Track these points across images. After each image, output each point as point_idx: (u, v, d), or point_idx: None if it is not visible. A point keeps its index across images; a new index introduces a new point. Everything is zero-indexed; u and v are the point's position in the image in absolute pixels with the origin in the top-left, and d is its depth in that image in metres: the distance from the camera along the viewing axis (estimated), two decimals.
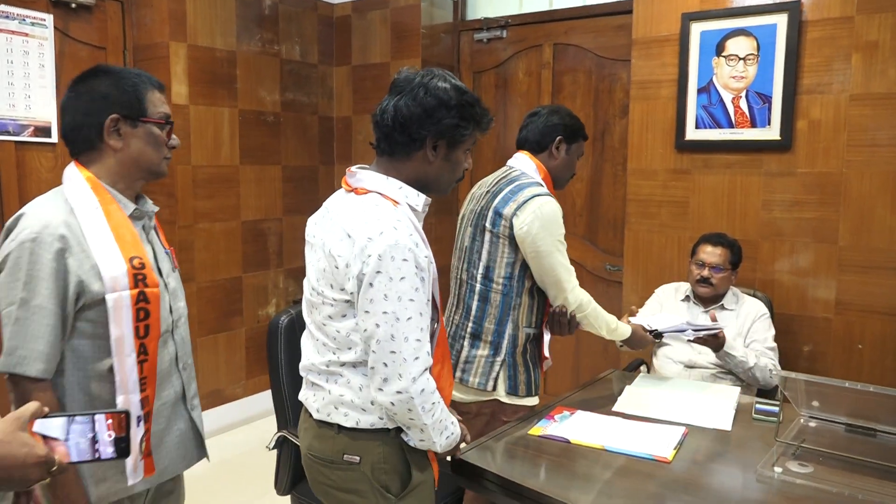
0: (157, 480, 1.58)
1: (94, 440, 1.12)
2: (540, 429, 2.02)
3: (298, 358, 1.75)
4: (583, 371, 3.97)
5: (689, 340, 2.61)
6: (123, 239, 1.47)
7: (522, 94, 4.10)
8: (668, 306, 2.91)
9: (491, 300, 2.23)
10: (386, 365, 1.50)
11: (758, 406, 2.18)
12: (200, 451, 1.72)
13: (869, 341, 2.99)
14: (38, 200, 1.51)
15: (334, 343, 1.60)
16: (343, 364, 1.60)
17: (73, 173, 1.52)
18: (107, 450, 1.12)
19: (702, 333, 2.51)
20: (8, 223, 1.47)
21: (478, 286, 2.26)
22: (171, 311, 1.61)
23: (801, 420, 2.03)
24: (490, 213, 2.23)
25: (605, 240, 3.90)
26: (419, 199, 1.62)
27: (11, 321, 1.40)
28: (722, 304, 2.81)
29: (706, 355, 2.66)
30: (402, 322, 1.49)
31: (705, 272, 2.77)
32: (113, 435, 1.13)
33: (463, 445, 1.83)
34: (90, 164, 1.54)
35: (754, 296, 2.92)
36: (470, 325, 2.27)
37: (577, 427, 2.03)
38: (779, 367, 2.62)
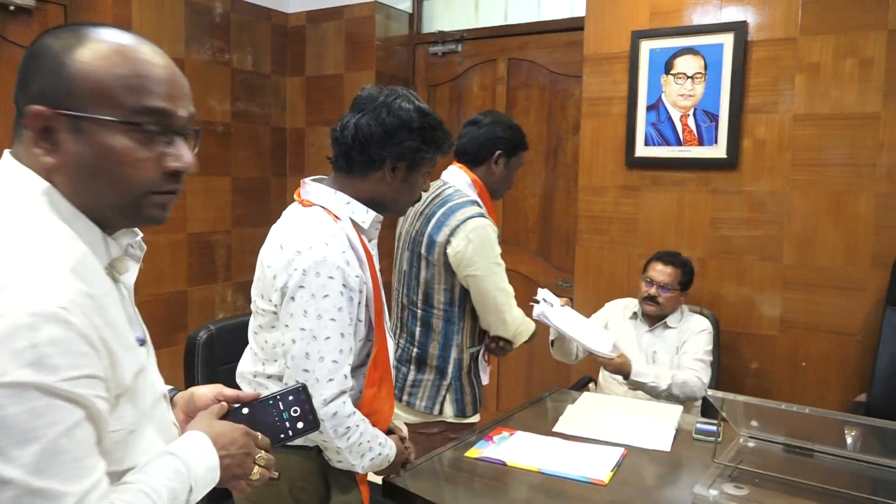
0: None
1: (281, 419, 1.16)
2: (477, 451, 1.98)
3: (217, 375, 1.69)
4: (534, 386, 3.96)
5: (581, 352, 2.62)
6: None
7: (477, 108, 4.08)
8: (615, 324, 2.90)
9: (433, 326, 2.23)
10: (296, 379, 1.48)
11: (698, 426, 2.16)
12: None
13: (813, 359, 3.01)
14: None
15: (262, 353, 1.59)
16: (269, 376, 1.59)
17: None
18: (297, 425, 1.16)
19: (591, 352, 2.53)
20: None
21: (419, 312, 2.25)
22: None
23: (741, 440, 2.02)
24: (425, 240, 2.21)
25: (557, 256, 3.90)
26: (368, 216, 1.59)
27: None
28: (665, 322, 2.81)
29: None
30: (320, 341, 1.46)
31: (652, 290, 2.77)
32: (298, 410, 1.16)
33: (409, 465, 1.81)
34: None
35: (700, 313, 2.92)
36: (415, 350, 2.26)
37: (515, 449, 2.00)
38: (704, 379, 2.60)
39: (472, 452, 1.97)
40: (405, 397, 2.26)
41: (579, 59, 3.52)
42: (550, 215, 3.90)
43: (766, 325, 3.10)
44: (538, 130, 3.90)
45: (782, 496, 1.73)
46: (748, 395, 1.94)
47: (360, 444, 1.54)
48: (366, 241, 1.59)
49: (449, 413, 2.25)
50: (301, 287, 1.45)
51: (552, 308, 2.50)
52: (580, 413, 2.30)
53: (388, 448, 1.64)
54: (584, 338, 2.51)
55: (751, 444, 2.00)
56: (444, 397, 2.24)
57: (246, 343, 1.71)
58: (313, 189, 1.59)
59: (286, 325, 1.49)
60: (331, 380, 1.47)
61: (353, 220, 1.56)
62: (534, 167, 3.93)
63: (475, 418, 2.32)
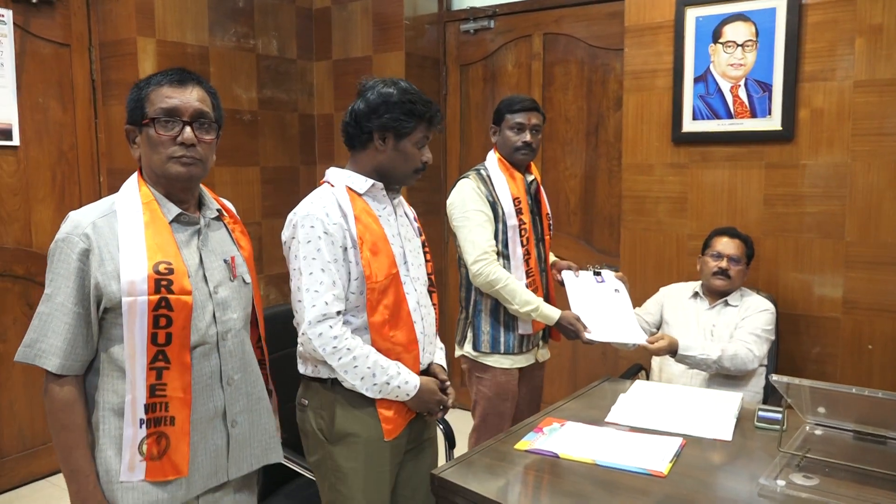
0: (185, 496, 1.55)
1: None
2: (527, 443, 1.91)
3: None
4: (580, 377, 3.84)
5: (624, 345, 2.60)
6: (154, 243, 1.48)
7: (512, 86, 3.96)
8: (673, 307, 2.80)
9: (461, 271, 2.62)
10: (297, 312, 1.82)
11: (760, 413, 2.06)
12: (233, 469, 1.64)
13: (879, 342, 2.85)
14: (90, 204, 1.56)
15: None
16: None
17: (130, 179, 1.56)
18: None
19: (611, 344, 2.60)
20: None
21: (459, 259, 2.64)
22: (215, 322, 1.56)
23: (807, 427, 1.93)
24: None
25: (600, 239, 3.76)
26: (366, 184, 1.87)
27: (37, 315, 1.48)
28: (726, 300, 2.71)
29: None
30: (304, 276, 1.77)
31: (723, 263, 2.69)
32: None
33: (450, 404, 1.97)
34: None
35: (759, 294, 2.79)
36: (460, 292, 2.66)
37: (567, 440, 1.91)
38: (756, 352, 2.52)
39: (522, 444, 1.90)
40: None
41: (620, 30, 3.37)
42: (592, 196, 3.77)
43: (828, 306, 2.94)
44: (577, 108, 3.76)
45: (855, 486, 1.65)
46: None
47: (355, 366, 1.77)
48: (370, 202, 1.87)
49: (469, 348, 2.58)
50: (293, 238, 1.81)
51: (585, 282, 2.64)
52: (634, 402, 2.21)
53: (400, 380, 1.82)
54: (600, 327, 2.52)
55: (818, 431, 1.92)
56: (467, 333, 2.59)
57: (276, 333, 1.96)
58: (329, 172, 1.92)
59: (290, 270, 1.83)
60: (314, 305, 1.76)
61: (349, 188, 1.85)
62: (574, 147, 3.79)
63: (495, 361, 2.54)
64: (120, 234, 1.47)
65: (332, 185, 1.86)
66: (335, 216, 1.79)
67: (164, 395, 1.47)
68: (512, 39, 3.94)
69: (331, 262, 1.77)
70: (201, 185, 1.61)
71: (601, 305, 2.59)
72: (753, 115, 3.01)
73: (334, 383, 1.83)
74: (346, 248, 1.80)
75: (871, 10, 2.76)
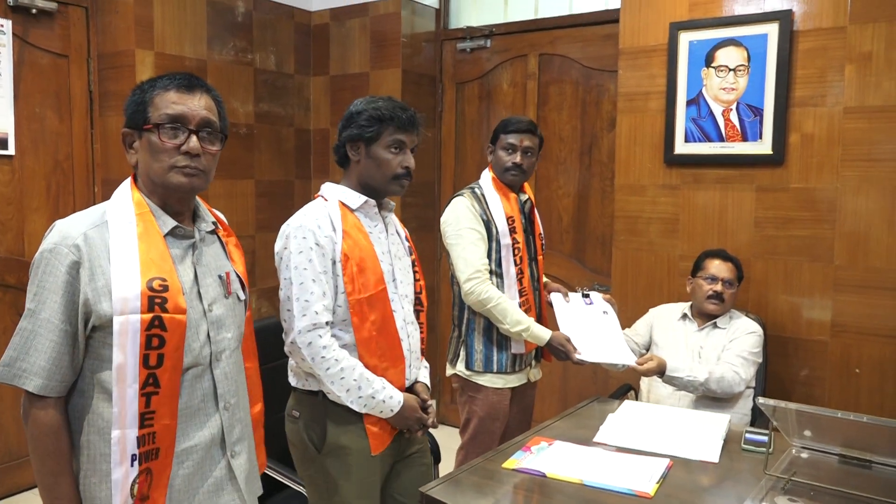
0: None
1: None
2: (515, 461, 1.91)
3: None
4: (570, 396, 3.84)
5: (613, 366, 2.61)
6: (148, 257, 1.36)
7: (507, 105, 3.98)
8: (662, 328, 2.81)
9: (454, 289, 2.63)
10: (285, 321, 1.85)
11: (748, 436, 2.08)
12: None
13: (867, 365, 2.86)
14: (77, 212, 1.44)
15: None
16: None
17: (123, 186, 1.46)
18: None
19: (600, 365, 2.62)
20: None
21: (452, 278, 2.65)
22: (209, 342, 1.45)
23: (793, 451, 1.94)
24: None
25: (593, 258, 3.77)
26: (358, 200, 1.92)
27: (18, 331, 1.36)
28: (715, 323, 2.72)
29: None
30: (295, 286, 1.81)
31: (718, 287, 2.69)
32: None
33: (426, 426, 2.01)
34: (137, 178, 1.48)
35: (747, 316, 2.79)
36: (453, 310, 2.68)
37: (555, 459, 1.92)
38: (742, 374, 2.53)
39: (510, 463, 1.90)
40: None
41: (614, 52, 3.41)
42: (585, 216, 3.79)
43: (817, 329, 2.95)
44: (571, 128, 3.78)
45: None
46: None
47: (342, 377, 1.81)
48: (362, 218, 1.92)
49: (461, 367, 2.58)
50: (285, 248, 1.85)
51: (574, 304, 2.66)
52: (622, 422, 2.21)
53: (385, 395, 1.85)
54: (590, 348, 2.53)
55: (804, 454, 1.92)
56: (459, 352, 2.60)
57: (268, 347, 1.96)
58: (324, 186, 1.97)
59: (280, 280, 1.87)
60: (304, 315, 1.80)
61: (342, 202, 1.90)
62: (567, 166, 3.81)
63: (487, 380, 2.54)
64: (112, 246, 1.36)
65: (326, 200, 1.90)
66: (326, 229, 1.84)
67: (152, 425, 1.36)
68: (508, 59, 3.97)
69: (321, 274, 1.81)
70: (196, 197, 1.51)
71: (590, 327, 2.60)
72: (745, 138, 3.04)
73: (325, 396, 1.86)
74: (335, 262, 1.84)
75: (861, 38, 2.80)
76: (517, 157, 2.53)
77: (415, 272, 2.07)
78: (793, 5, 2.91)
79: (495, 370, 2.54)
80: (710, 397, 2.54)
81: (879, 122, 2.78)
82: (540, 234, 2.71)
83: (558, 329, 2.56)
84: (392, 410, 1.87)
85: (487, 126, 4.04)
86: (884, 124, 2.78)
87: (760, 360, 2.66)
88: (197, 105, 1.43)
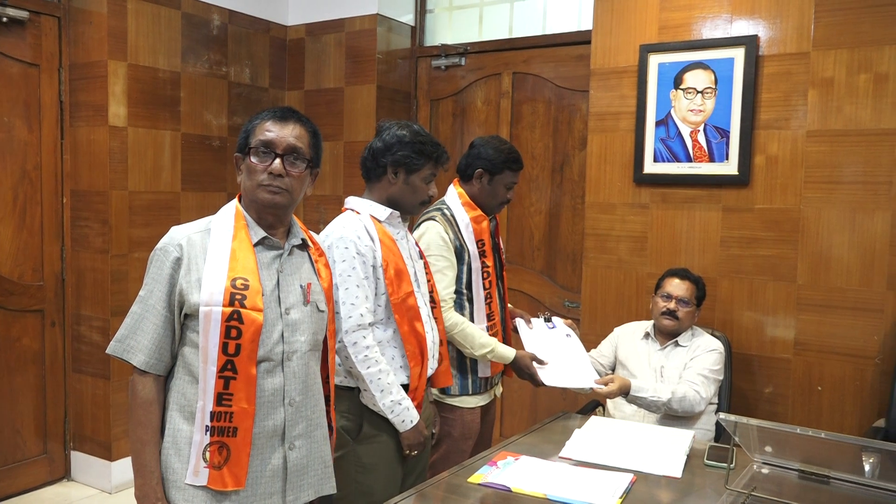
0: None
1: None
2: (481, 476, 1.91)
3: None
4: (539, 411, 3.86)
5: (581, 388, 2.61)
6: (236, 260, 1.61)
7: (481, 122, 4.02)
8: (626, 347, 2.83)
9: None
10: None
11: (710, 451, 2.10)
12: (289, 495, 1.70)
13: (828, 383, 2.91)
14: (191, 221, 1.73)
15: None
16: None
17: (232, 201, 1.73)
18: None
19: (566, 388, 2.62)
20: None
21: None
22: (282, 342, 1.66)
23: (754, 466, 1.96)
24: None
25: (563, 275, 3.81)
26: (385, 212, 2.15)
27: (130, 314, 1.63)
28: (676, 341, 2.75)
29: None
30: (341, 290, 2.01)
31: (671, 304, 2.73)
32: None
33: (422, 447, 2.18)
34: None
35: (712, 335, 2.84)
36: None
37: (520, 474, 1.92)
38: (703, 394, 2.55)
39: (476, 478, 1.90)
40: None
41: (586, 73, 3.46)
42: (556, 233, 3.82)
43: (780, 347, 3.00)
44: (544, 146, 3.83)
45: None
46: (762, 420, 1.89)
47: (379, 378, 2.02)
48: (388, 228, 2.15)
49: (436, 391, 2.56)
50: (332, 259, 2.02)
51: (538, 330, 2.68)
52: (588, 437, 2.22)
53: (408, 404, 2.07)
54: (553, 373, 2.55)
55: (765, 470, 1.95)
56: None
57: None
58: (349, 200, 2.20)
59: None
60: (350, 316, 2.01)
61: (372, 215, 2.13)
62: (539, 184, 3.85)
63: (461, 401, 2.54)
64: (209, 248, 1.62)
65: (358, 213, 2.13)
66: (366, 239, 2.07)
67: (230, 406, 1.57)
68: (482, 77, 4.02)
69: (364, 279, 2.04)
70: (293, 216, 1.75)
71: (555, 350, 2.61)
72: (711, 159, 3.10)
73: (360, 392, 2.06)
74: (374, 267, 2.07)
75: (823, 64, 2.87)
76: (511, 193, 2.61)
77: (426, 273, 2.28)
78: (758, 31, 2.99)
79: (470, 392, 2.55)
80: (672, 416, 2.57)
81: (841, 145, 2.85)
82: (502, 249, 2.74)
83: (524, 349, 2.58)
84: (411, 422, 2.07)
85: (461, 143, 4.07)
86: (845, 147, 2.84)
87: (721, 378, 2.69)
88: (285, 133, 1.66)
